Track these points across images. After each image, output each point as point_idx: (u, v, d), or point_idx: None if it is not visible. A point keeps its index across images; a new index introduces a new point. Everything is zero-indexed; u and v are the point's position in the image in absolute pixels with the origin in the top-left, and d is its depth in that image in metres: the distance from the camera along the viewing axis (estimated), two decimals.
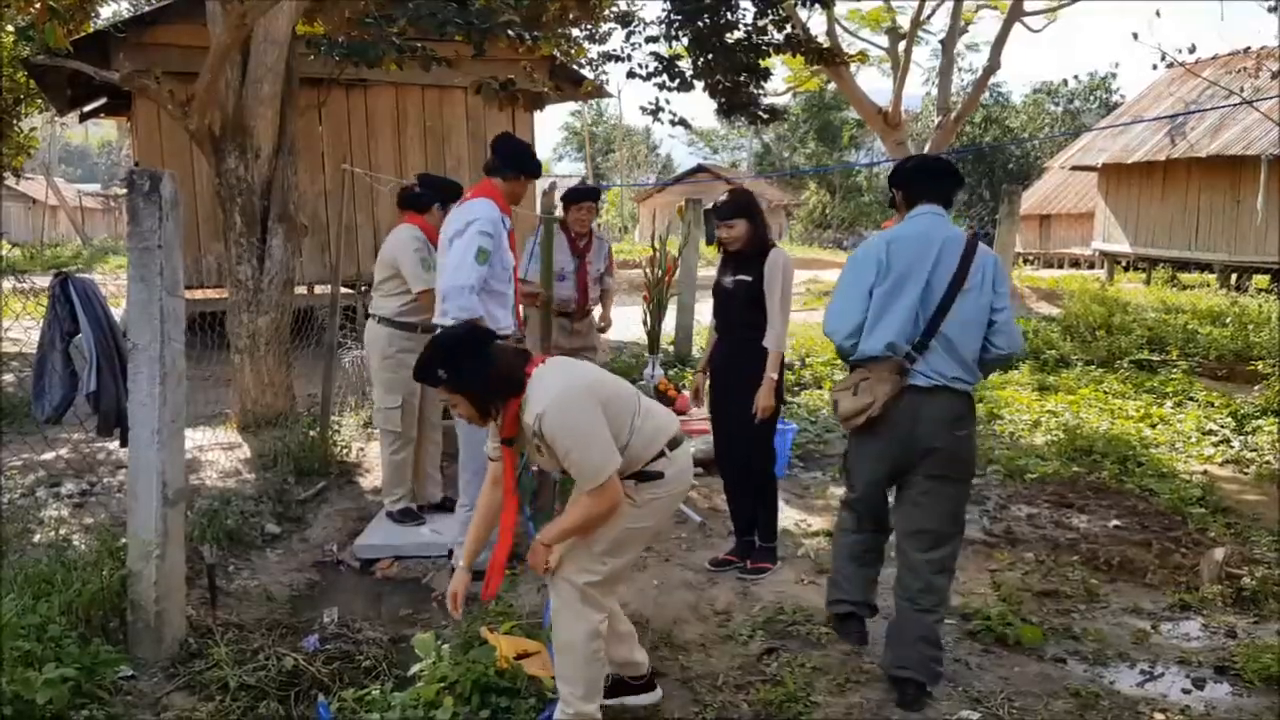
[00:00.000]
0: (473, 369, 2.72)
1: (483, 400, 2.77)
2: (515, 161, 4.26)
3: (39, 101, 13.33)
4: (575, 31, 12.04)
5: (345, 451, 6.13)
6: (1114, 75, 40.56)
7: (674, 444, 2.92)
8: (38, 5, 6.40)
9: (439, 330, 2.93)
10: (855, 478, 3.46)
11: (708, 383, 4.60)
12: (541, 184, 6.65)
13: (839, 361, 5.80)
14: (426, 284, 4.63)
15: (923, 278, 3.17)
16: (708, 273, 6.89)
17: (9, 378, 8.00)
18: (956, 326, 3.16)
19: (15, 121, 13.76)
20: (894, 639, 3.27)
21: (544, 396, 2.70)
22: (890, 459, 3.28)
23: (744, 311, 4.20)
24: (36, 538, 4.47)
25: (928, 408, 3.17)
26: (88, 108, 13.25)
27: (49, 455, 5.96)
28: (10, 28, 7.23)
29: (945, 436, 3.18)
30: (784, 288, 4.16)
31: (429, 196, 4.90)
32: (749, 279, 4.17)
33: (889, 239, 3.28)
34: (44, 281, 4.06)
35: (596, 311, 6.02)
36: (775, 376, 4.16)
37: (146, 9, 10.22)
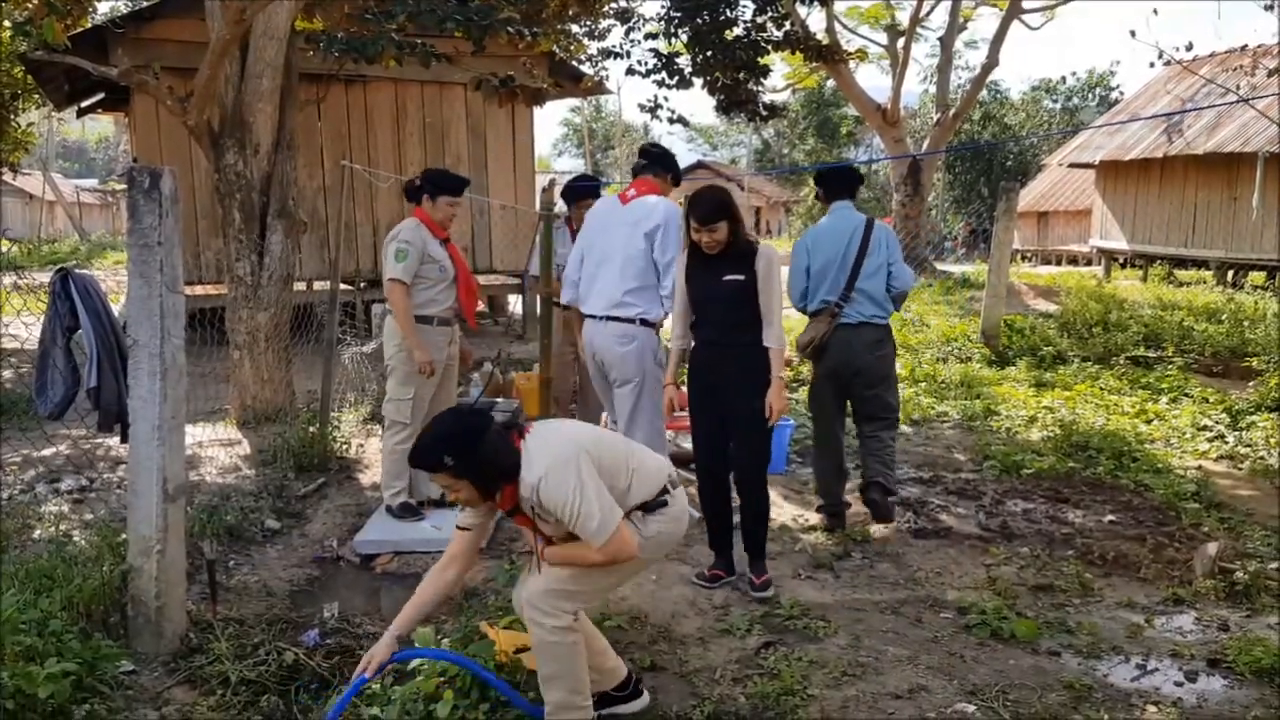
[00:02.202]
0: (478, 454, 2.68)
1: (485, 484, 2.73)
2: (665, 162, 4.74)
3: (36, 97, 13.32)
4: (574, 28, 12.05)
5: (345, 447, 6.14)
6: (1113, 73, 40.54)
7: (673, 484, 2.99)
8: (35, 0, 6.41)
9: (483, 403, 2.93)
10: (815, 405, 5.01)
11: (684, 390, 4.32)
12: (541, 180, 6.66)
13: None
14: (391, 273, 4.76)
15: (839, 255, 4.69)
16: None
17: (8, 374, 8.01)
18: (867, 280, 4.68)
19: (13, 117, 13.75)
20: (868, 483, 4.80)
21: (538, 465, 2.69)
22: (835, 375, 4.79)
23: (735, 312, 3.98)
24: (37, 533, 4.49)
25: (856, 337, 4.70)
26: (85, 103, 13.26)
27: (48, 451, 5.97)
28: (8, 23, 7.23)
29: (867, 357, 4.72)
30: (779, 284, 4.03)
31: (421, 189, 4.94)
32: (740, 278, 3.94)
33: (814, 234, 4.84)
34: (43, 277, 4.07)
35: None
36: (784, 376, 4.00)
37: (145, 4, 10.20)
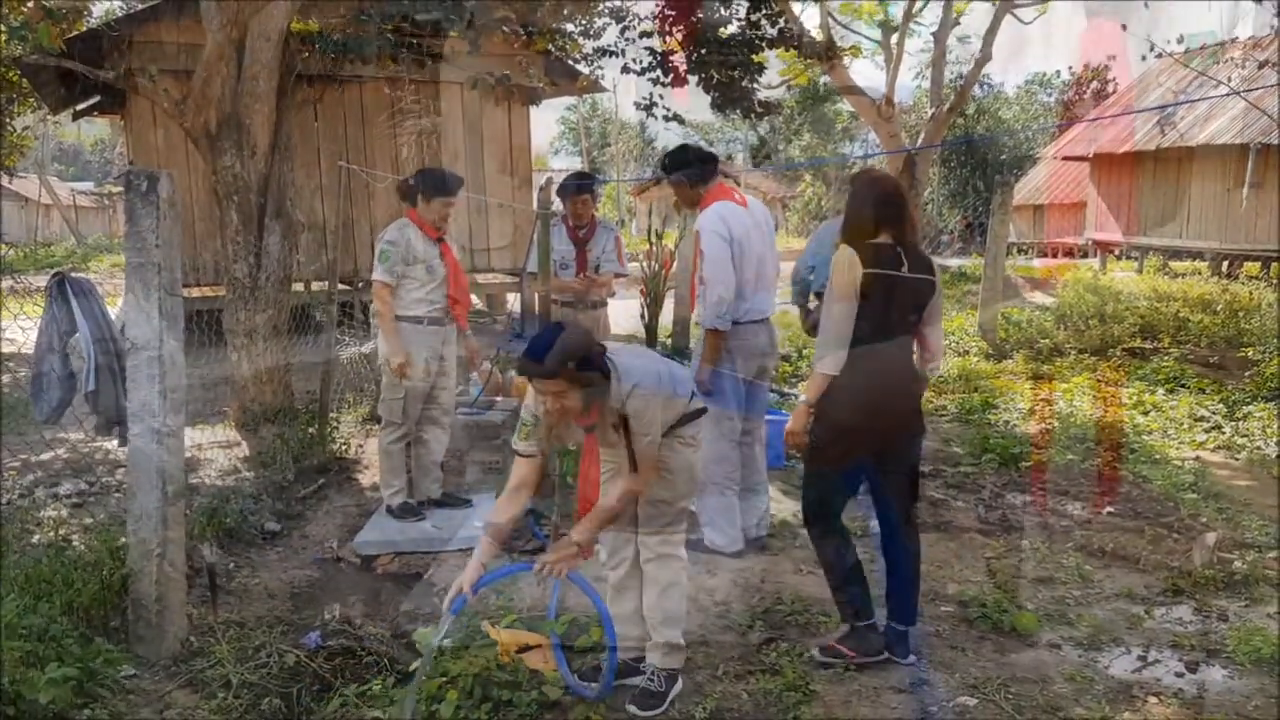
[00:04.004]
0: (593, 361, 2.87)
1: (591, 391, 2.88)
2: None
3: (32, 100, 13.29)
4: (569, 26, 12.03)
5: (344, 448, 6.14)
6: (1107, 67, 40.46)
7: (693, 392, 3.26)
8: (30, 4, 6.40)
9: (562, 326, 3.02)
10: None
11: None
12: (538, 179, 6.67)
13: None
14: (373, 274, 4.79)
15: None
16: None
17: (6, 379, 7.99)
18: None
19: (8, 120, 13.73)
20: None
21: (635, 373, 2.94)
22: None
23: None
24: (36, 538, 4.47)
25: None
26: (81, 106, 13.20)
27: (47, 455, 5.97)
28: (3, 27, 7.21)
29: None
30: (833, 296, 3.22)
31: (415, 189, 4.92)
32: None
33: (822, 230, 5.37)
34: (39, 281, 4.06)
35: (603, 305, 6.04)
36: (805, 400, 3.32)
37: (140, 7, 10.18)
